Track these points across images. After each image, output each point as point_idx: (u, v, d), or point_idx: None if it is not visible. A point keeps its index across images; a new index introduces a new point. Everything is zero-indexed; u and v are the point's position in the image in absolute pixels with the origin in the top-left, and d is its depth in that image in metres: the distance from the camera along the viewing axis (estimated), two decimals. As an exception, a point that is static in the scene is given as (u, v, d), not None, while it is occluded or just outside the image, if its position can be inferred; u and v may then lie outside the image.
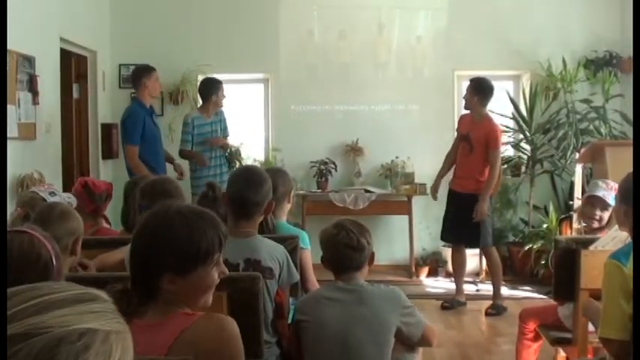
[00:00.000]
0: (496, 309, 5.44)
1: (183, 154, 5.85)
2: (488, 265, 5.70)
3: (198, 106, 6.27)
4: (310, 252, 3.15)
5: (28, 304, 0.81)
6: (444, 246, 6.82)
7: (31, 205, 2.91)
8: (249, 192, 2.67)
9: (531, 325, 3.66)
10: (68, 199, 3.17)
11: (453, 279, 5.94)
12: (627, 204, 2.40)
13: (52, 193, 3.28)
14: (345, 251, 2.50)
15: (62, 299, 0.83)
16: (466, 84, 5.64)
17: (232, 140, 6.15)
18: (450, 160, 5.77)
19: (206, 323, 1.64)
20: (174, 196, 2.67)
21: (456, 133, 5.85)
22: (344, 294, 2.48)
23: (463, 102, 5.69)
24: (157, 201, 2.61)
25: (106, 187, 3.72)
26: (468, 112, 5.65)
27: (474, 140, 5.43)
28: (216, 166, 5.80)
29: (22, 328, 0.78)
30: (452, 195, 5.65)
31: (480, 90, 5.45)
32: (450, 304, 5.62)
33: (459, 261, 5.71)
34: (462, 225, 5.47)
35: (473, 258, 6.29)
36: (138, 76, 5.54)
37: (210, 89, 5.81)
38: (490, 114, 5.60)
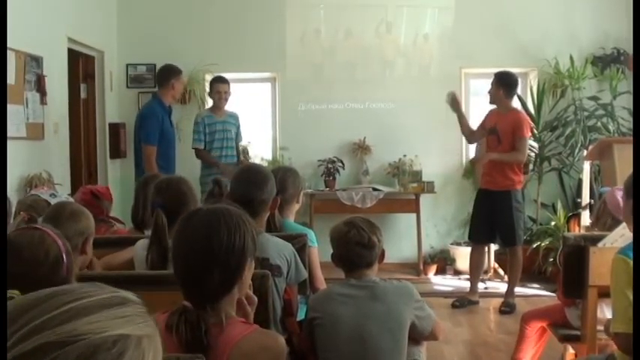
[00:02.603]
0: (510, 307, 5.43)
1: (200, 154, 5.83)
2: (510, 262, 5.59)
3: (207, 105, 6.28)
4: (317, 250, 3.16)
5: (59, 311, 0.80)
6: (452, 244, 6.82)
7: (34, 208, 2.91)
8: (253, 191, 2.68)
9: (534, 325, 3.65)
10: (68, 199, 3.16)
11: (461, 277, 5.91)
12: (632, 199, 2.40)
13: (53, 195, 3.28)
14: (356, 249, 2.50)
15: (93, 305, 0.82)
16: (474, 82, 5.59)
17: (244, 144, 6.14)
18: (476, 133, 5.70)
19: (263, 337, 1.70)
20: (189, 195, 2.69)
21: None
22: (357, 290, 2.47)
23: (488, 97, 5.58)
24: (171, 199, 2.63)
25: (107, 191, 3.73)
26: (494, 107, 5.59)
27: (501, 132, 5.40)
28: (228, 164, 5.78)
29: (55, 336, 0.77)
30: (483, 194, 5.56)
31: (505, 83, 5.45)
32: (461, 302, 5.60)
33: (478, 261, 5.69)
34: (497, 223, 5.45)
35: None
36: (167, 75, 5.47)
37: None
38: (516, 107, 5.55)
